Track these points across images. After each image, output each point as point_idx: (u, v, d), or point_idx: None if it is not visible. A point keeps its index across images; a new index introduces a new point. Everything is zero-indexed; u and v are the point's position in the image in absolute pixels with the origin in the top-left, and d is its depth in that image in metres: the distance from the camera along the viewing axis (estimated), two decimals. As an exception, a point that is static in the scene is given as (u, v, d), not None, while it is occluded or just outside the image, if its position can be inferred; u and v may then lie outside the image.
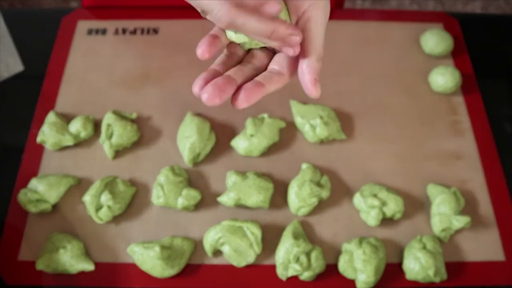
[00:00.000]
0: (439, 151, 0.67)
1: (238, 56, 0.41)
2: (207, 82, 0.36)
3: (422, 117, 0.70)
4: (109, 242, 0.60)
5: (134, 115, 0.68)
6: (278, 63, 0.40)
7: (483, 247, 0.60)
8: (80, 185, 0.64)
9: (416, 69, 0.75)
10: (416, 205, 0.63)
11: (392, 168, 0.66)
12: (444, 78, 0.70)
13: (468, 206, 0.63)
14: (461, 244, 0.61)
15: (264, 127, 0.65)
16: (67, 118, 0.68)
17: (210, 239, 0.58)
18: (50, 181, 0.62)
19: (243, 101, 0.36)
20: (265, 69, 0.40)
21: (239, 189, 0.61)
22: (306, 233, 0.60)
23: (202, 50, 0.37)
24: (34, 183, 0.62)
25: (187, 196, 0.61)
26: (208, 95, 0.35)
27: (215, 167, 0.65)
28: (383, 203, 0.60)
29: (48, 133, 0.65)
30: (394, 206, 0.60)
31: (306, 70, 0.38)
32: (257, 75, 0.39)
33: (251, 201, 0.60)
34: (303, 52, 0.38)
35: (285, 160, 0.66)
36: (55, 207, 0.62)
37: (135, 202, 0.63)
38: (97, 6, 0.80)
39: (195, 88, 0.36)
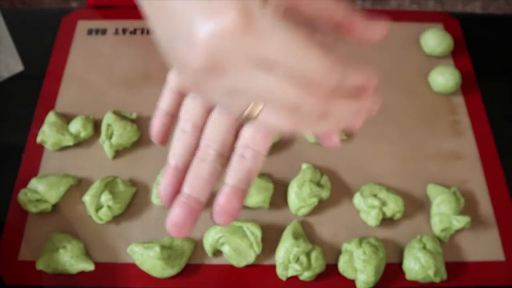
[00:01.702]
0: (439, 151, 0.67)
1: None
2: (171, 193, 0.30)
3: (422, 117, 0.70)
4: (109, 242, 0.60)
5: (134, 115, 0.68)
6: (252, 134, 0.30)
7: (483, 247, 0.60)
8: (80, 185, 0.64)
9: (416, 69, 0.75)
10: (416, 205, 0.63)
11: (392, 168, 0.66)
12: (444, 78, 0.70)
13: (468, 206, 0.63)
14: (461, 244, 0.61)
15: (264, 127, 0.65)
16: (67, 118, 0.68)
17: (210, 239, 0.58)
18: (50, 181, 0.62)
19: (224, 221, 0.29)
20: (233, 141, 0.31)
21: (239, 189, 0.61)
22: (306, 233, 0.60)
23: (157, 138, 0.33)
24: (34, 183, 0.62)
25: (187, 196, 0.60)
26: (173, 226, 0.30)
27: (215, 167, 0.65)
28: (383, 203, 0.60)
29: (48, 133, 0.65)
30: (394, 206, 0.60)
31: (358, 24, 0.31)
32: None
33: (251, 201, 0.60)
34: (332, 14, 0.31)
35: (285, 160, 0.66)
36: (55, 207, 0.62)
37: (135, 202, 0.63)
38: (101, 6, 0.80)
39: (163, 197, 0.31)
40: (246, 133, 0.30)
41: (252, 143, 0.29)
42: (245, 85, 0.25)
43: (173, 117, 0.33)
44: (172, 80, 0.34)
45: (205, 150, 0.30)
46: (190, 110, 0.32)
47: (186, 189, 0.30)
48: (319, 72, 0.25)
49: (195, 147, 0.31)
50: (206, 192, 0.30)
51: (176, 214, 0.30)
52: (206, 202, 0.30)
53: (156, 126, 0.33)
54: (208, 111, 0.31)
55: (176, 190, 0.31)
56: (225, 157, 0.30)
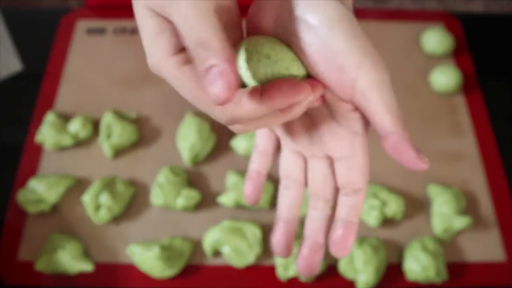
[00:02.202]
0: (440, 151, 0.67)
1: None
2: (285, 244, 0.33)
3: (422, 117, 0.70)
4: (108, 243, 0.60)
5: (133, 115, 0.68)
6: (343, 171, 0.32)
7: (484, 248, 0.60)
8: (79, 185, 0.64)
9: (417, 69, 0.74)
10: (417, 206, 0.63)
11: (392, 168, 0.66)
12: (445, 78, 0.70)
13: (469, 207, 0.63)
14: (462, 245, 0.60)
15: (264, 127, 0.65)
16: (66, 118, 0.68)
17: (209, 239, 0.58)
18: (49, 181, 0.61)
19: (344, 251, 0.31)
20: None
21: (239, 189, 0.60)
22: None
23: (252, 199, 0.34)
24: (33, 183, 0.61)
25: (187, 197, 0.60)
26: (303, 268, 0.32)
27: (215, 167, 0.65)
28: (384, 204, 0.60)
29: (47, 133, 0.65)
30: (394, 206, 0.60)
31: (401, 146, 0.28)
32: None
33: (251, 201, 0.60)
34: (384, 127, 0.28)
35: (285, 160, 0.66)
36: (54, 207, 0.62)
37: (134, 202, 0.63)
38: (101, 5, 0.80)
39: (278, 252, 0.33)
40: (340, 172, 0.32)
41: (348, 183, 0.32)
42: None
43: (263, 176, 0.35)
44: (259, 143, 0.36)
45: (313, 204, 0.33)
46: (287, 167, 0.34)
47: (308, 233, 0.33)
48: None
49: (300, 199, 0.34)
50: (324, 235, 0.32)
51: (304, 256, 0.32)
52: (325, 243, 0.33)
53: (249, 187, 0.34)
54: (304, 161, 0.34)
55: (289, 242, 0.33)
56: (332, 200, 0.33)
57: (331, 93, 0.29)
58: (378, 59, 0.27)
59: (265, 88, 0.26)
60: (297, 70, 0.28)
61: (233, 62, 0.24)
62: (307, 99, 0.27)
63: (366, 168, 0.31)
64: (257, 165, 0.35)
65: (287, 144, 0.34)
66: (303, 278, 0.57)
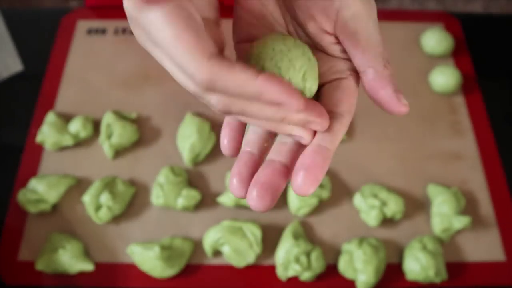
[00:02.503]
0: (440, 151, 0.67)
1: None
2: (246, 178, 0.27)
3: (422, 117, 0.70)
4: (108, 242, 0.60)
5: (134, 115, 0.68)
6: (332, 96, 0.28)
7: (484, 248, 0.60)
8: (80, 185, 0.64)
9: (417, 69, 0.74)
10: (417, 205, 0.63)
11: (392, 168, 0.66)
12: (444, 78, 0.70)
13: (468, 206, 0.63)
14: (461, 245, 0.60)
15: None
16: (66, 118, 0.68)
17: (210, 239, 0.58)
18: (50, 181, 0.62)
19: (309, 185, 0.25)
20: None
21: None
22: (306, 234, 0.60)
23: (229, 151, 0.28)
24: (33, 183, 0.61)
25: (187, 196, 0.60)
26: (254, 200, 0.25)
27: (215, 167, 0.65)
28: (384, 203, 0.60)
29: (47, 133, 0.65)
30: (394, 206, 0.60)
31: (377, 82, 0.27)
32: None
33: (251, 201, 0.60)
34: (362, 61, 0.27)
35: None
36: (54, 207, 0.62)
37: (134, 202, 0.63)
38: (100, 6, 0.80)
39: (236, 191, 0.27)
40: (325, 96, 0.29)
41: (332, 105, 0.28)
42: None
43: (244, 125, 0.31)
44: None
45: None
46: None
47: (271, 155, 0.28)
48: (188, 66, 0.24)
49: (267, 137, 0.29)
50: (288, 156, 0.28)
51: (257, 179, 0.27)
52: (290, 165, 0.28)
53: (226, 136, 0.30)
54: None
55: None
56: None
57: (315, 24, 0.27)
58: None
59: (265, 73, 0.23)
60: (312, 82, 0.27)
61: None
62: (297, 114, 0.24)
63: (354, 98, 0.28)
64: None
65: None
66: (304, 277, 0.57)
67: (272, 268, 0.58)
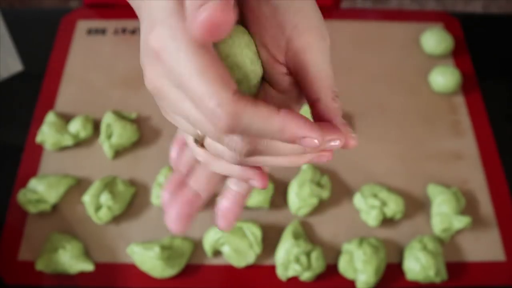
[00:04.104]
0: (440, 151, 0.67)
1: None
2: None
3: (422, 117, 0.70)
4: (108, 242, 0.60)
5: (134, 115, 0.68)
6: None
7: (484, 247, 0.60)
8: (80, 185, 0.64)
9: (417, 69, 0.74)
10: (417, 205, 0.63)
11: (392, 168, 0.66)
12: (444, 78, 0.70)
13: (468, 206, 0.63)
14: (461, 244, 0.60)
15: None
16: (66, 118, 0.68)
17: (210, 239, 0.58)
18: (50, 181, 0.62)
19: (226, 225, 0.29)
20: None
21: (239, 189, 0.61)
22: (306, 233, 0.60)
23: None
24: (33, 183, 0.61)
25: (187, 196, 0.60)
26: (171, 222, 0.29)
27: (215, 167, 0.65)
28: (384, 203, 0.60)
29: (47, 133, 0.65)
30: (394, 206, 0.60)
31: (325, 114, 0.27)
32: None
33: (251, 201, 0.60)
34: (310, 93, 0.27)
35: (285, 160, 0.66)
36: (54, 207, 0.62)
37: (135, 202, 0.63)
38: (98, 4, 0.80)
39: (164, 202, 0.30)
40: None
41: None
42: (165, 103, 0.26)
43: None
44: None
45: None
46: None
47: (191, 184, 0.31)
48: (207, 108, 0.23)
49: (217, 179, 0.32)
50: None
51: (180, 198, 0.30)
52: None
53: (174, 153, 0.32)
54: None
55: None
56: None
57: (267, 52, 0.27)
58: (320, 26, 0.26)
59: (284, 109, 0.23)
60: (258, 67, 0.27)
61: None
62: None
63: None
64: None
65: None
66: (304, 277, 0.57)
67: (272, 268, 0.58)
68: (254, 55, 0.27)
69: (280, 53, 0.27)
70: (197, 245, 0.60)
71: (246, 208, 0.62)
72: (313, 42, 0.26)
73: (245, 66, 0.26)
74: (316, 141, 0.23)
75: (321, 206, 0.62)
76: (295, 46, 0.26)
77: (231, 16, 0.21)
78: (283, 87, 0.28)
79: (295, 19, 0.26)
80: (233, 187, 0.30)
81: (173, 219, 0.30)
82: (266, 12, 0.26)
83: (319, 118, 0.26)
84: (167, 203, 0.31)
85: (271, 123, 0.22)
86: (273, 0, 0.26)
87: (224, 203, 0.30)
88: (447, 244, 0.60)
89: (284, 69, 0.27)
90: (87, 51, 0.76)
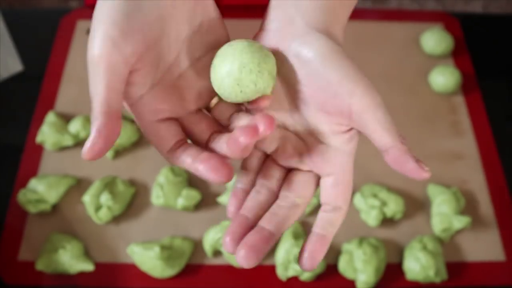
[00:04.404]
0: (440, 151, 0.67)
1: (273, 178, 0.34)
2: (238, 238, 0.31)
3: (422, 117, 0.70)
4: (108, 242, 0.60)
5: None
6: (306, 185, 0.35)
7: (484, 247, 0.60)
8: (80, 185, 0.64)
9: (416, 69, 0.74)
10: (417, 205, 0.63)
11: (392, 168, 0.66)
12: (444, 78, 0.70)
13: (468, 206, 0.63)
14: (461, 244, 0.60)
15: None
16: (66, 118, 0.68)
17: (210, 239, 0.58)
18: (50, 181, 0.62)
19: (312, 262, 0.32)
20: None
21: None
22: (306, 233, 0.60)
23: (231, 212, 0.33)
24: (33, 183, 0.61)
25: (187, 196, 0.60)
26: (241, 258, 0.29)
27: (215, 167, 0.65)
28: (384, 203, 0.60)
29: (47, 133, 0.65)
30: (394, 206, 0.60)
31: (402, 158, 0.31)
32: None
33: (251, 201, 0.60)
34: (383, 143, 0.32)
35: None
36: (54, 207, 0.62)
37: (134, 202, 0.63)
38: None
39: (228, 247, 0.30)
40: (324, 189, 0.35)
41: (330, 200, 0.35)
42: None
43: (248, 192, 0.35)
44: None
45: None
46: (267, 173, 0.35)
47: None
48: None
49: (267, 206, 0.34)
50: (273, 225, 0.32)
51: (246, 240, 0.31)
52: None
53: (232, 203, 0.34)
54: (284, 173, 0.35)
55: (242, 234, 0.32)
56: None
57: (329, 118, 0.31)
58: (368, 84, 0.31)
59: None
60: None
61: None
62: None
63: (350, 188, 0.34)
64: (243, 185, 0.34)
65: (278, 159, 0.34)
66: (304, 277, 0.57)
67: (272, 268, 0.58)
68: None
69: (342, 117, 0.31)
70: (197, 245, 0.60)
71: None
72: (372, 101, 0.31)
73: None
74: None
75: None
76: (358, 108, 0.30)
77: None
78: (342, 144, 0.33)
79: (349, 86, 0.30)
80: (318, 230, 0.33)
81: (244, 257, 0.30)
82: (317, 84, 0.31)
83: (397, 162, 0.31)
84: (233, 247, 0.31)
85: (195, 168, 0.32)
86: (323, 75, 0.30)
87: (309, 246, 0.32)
88: (447, 244, 0.60)
89: (344, 128, 0.32)
90: (87, 51, 0.75)
